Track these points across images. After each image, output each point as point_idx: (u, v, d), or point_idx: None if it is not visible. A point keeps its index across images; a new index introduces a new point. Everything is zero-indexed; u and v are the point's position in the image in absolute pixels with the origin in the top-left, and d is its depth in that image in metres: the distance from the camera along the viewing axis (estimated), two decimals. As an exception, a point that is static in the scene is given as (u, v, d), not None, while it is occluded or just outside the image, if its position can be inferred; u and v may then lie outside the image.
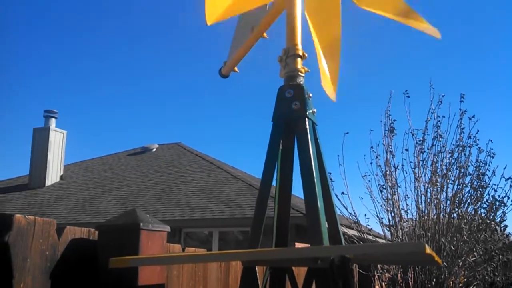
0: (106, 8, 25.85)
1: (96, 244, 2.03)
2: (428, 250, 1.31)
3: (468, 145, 7.20)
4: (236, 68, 2.60)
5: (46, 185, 14.60)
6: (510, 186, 7.04)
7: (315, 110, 2.01)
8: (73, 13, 25.33)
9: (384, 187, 6.83)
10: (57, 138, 15.12)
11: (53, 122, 15.09)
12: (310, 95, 1.99)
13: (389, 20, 2.23)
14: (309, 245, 1.69)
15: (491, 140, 7.21)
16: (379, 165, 7.03)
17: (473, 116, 7.23)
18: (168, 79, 27.98)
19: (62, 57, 26.99)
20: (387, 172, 6.98)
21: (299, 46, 2.05)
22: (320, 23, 2.12)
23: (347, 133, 7.03)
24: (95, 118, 29.78)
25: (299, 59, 2.03)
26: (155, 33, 26.39)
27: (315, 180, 1.77)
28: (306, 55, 2.09)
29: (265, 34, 2.40)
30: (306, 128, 1.87)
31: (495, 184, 7.05)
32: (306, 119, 1.90)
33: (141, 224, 1.95)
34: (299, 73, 2.01)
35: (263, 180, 1.92)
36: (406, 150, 6.89)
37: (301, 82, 2.00)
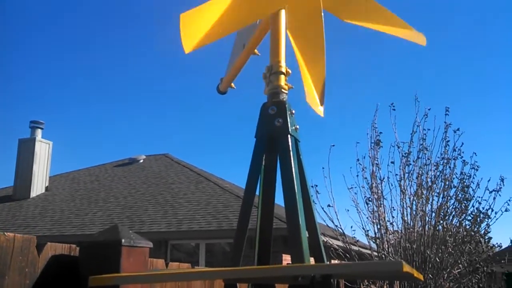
0: (94, 23, 25.82)
1: (77, 260, 2.01)
2: (407, 268, 1.32)
3: (453, 157, 7.29)
4: (232, 84, 2.62)
5: (31, 196, 14.42)
6: (494, 198, 7.14)
7: (297, 126, 2.02)
8: (63, 27, 25.25)
9: (370, 199, 6.88)
10: (42, 149, 14.98)
11: (39, 133, 14.96)
12: (293, 111, 2.01)
13: (374, 32, 2.26)
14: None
15: (475, 153, 7.31)
16: (365, 178, 7.09)
17: (458, 129, 7.33)
18: (156, 90, 27.94)
19: (50, 68, 26.83)
20: (373, 185, 7.02)
21: (283, 63, 2.07)
22: (303, 39, 2.14)
23: (333, 145, 7.08)
24: (82, 129, 29.59)
25: (282, 76, 2.05)
26: (141, 47, 26.40)
27: (297, 197, 1.77)
28: (290, 71, 2.11)
29: (256, 51, 2.42)
30: (289, 145, 1.88)
31: (479, 197, 7.14)
32: (289, 136, 1.91)
33: (123, 240, 1.94)
34: (283, 90, 2.03)
35: (245, 197, 1.92)
36: (392, 162, 6.96)
37: (284, 99, 2.02)
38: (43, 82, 27.38)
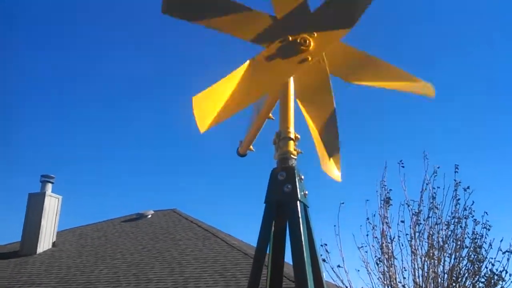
0: (100, 73, 26.56)
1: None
2: None
3: (464, 216, 7.22)
4: (252, 147, 2.71)
5: (37, 252, 14.29)
6: (508, 259, 6.99)
7: (307, 192, 2.06)
8: (71, 81, 26.02)
9: (381, 259, 6.76)
10: (52, 204, 15.00)
11: (49, 187, 15.03)
12: (302, 177, 2.05)
13: (379, 89, 2.32)
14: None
15: (486, 212, 7.24)
16: (375, 237, 7.00)
17: (468, 187, 7.31)
18: (166, 146, 28.25)
19: (62, 123, 27.39)
20: (384, 244, 6.92)
21: (291, 129, 2.14)
22: (313, 108, 2.21)
23: (343, 203, 7.07)
24: (92, 183, 29.70)
25: (291, 142, 2.11)
26: (149, 103, 27.00)
27: (306, 265, 1.78)
28: (299, 137, 2.17)
29: (271, 116, 2.50)
30: (298, 212, 1.91)
31: (492, 258, 6.99)
32: (298, 202, 1.94)
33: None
34: (292, 156, 2.08)
35: (255, 261, 1.93)
36: (402, 221, 6.90)
37: (293, 164, 2.07)
38: (54, 136, 27.85)
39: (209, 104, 1.89)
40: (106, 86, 25.80)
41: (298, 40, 2.11)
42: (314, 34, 2.13)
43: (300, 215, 1.91)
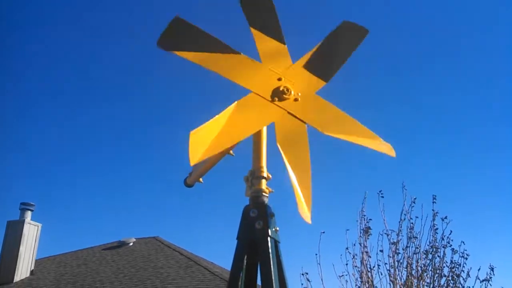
0: (85, 97, 26.55)
1: None
2: None
3: (442, 246, 7.33)
4: (201, 179, 2.77)
5: (14, 280, 13.98)
6: (485, 288, 7.09)
7: (277, 228, 2.14)
8: (55, 107, 25.92)
9: (361, 288, 6.81)
10: (31, 231, 14.76)
11: (28, 215, 14.81)
12: (273, 214, 2.14)
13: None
14: None
15: (463, 242, 7.36)
16: (356, 266, 7.06)
17: (446, 217, 7.44)
18: (148, 173, 28.09)
19: (45, 148, 27.13)
20: (364, 273, 6.98)
21: (264, 169, 2.23)
22: (292, 155, 2.30)
23: (323, 232, 7.14)
24: (72, 209, 29.27)
25: (263, 181, 2.20)
26: (129, 130, 26.95)
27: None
28: (271, 176, 2.26)
29: (231, 152, 2.58)
30: (268, 248, 1.99)
31: (470, 286, 7.09)
32: (269, 238, 2.02)
33: None
34: (263, 194, 2.17)
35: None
36: (381, 251, 6.98)
37: (265, 202, 2.15)
38: (34, 163, 27.50)
39: (202, 140, 2.01)
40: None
41: (281, 89, 2.29)
42: (293, 83, 2.31)
43: (270, 251, 1.98)
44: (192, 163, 1.98)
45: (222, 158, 2.61)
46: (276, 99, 2.28)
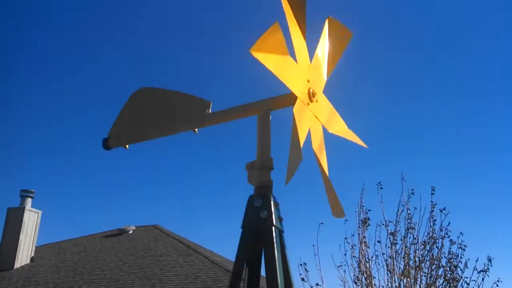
0: (89, 90, 26.52)
1: None
2: None
3: (440, 237, 7.39)
4: (127, 146, 2.77)
5: (15, 267, 14.08)
6: (483, 279, 7.17)
7: (282, 218, 2.18)
8: (58, 93, 25.88)
9: (359, 278, 6.88)
10: (31, 219, 14.83)
11: (29, 202, 14.87)
12: (278, 204, 2.17)
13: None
14: None
15: (461, 233, 7.42)
16: (354, 256, 7.13)
17: (444, 209, 7.50)
18: (148, 161, 28.14)
19: (45, 136, 27.13)
20: (362, 263, 7.05)
21: (270, 159, 2.26)
22: (323, 159, 2.35)
23: (322, 223, 7.19)
24: (73, 197, 29.37)
25: (269, 172, 2.23)
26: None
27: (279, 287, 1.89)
28: (273, 168, 2.30)
29: (196, 130, 2.60)
30: (273, 237, 2.02)
31: (467, 277, 7.17)
32: (273, 227, 2.06)
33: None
34: (268, 184, 2.20)
35: (231, 283, 2.03)
36: (379, 241, 7.05)
37: (270, 192, 2.19)
38: (34, 150, 27.53)
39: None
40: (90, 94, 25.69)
41: (311, 92, 2.30)
42: (314, 85, 2.34)
43: (275, 241, 2.02)
44: (287, 183, 1.98)
45: None
46: (308, 103, 2.28)
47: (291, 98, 2.21)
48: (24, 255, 14.50)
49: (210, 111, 2.54)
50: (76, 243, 16.31)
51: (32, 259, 14.74)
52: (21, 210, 14.67)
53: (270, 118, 2.33)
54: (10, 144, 26.35)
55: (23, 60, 24.25)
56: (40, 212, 15.25)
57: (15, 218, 14.60)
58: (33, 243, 14.91)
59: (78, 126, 26.53)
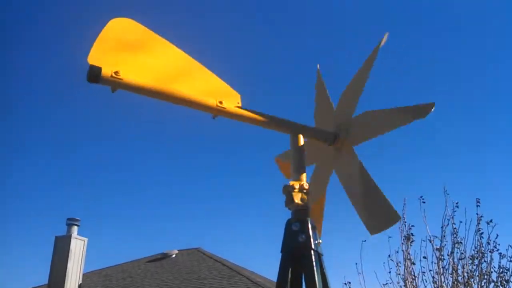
0: (120, 115, 27.23)
1: None
2: None
3: (489, 250, 7.13)
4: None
5: (64, 295, 14.43)
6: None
7: (321, 241, 2.19)
8: (90, 120, 26.73)
9: (406, 296, 6.71)
10: (78, 246, 15.22)
11: (75, 230, 15.28)
12: (315, 227, 2.19)
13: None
14: None
15: (510, 246, 7.14)
16: (399, 273, 6.96)
17: (491, 221, 7.24)
18: (188, 183, 28.49)
19: (85, 165, 27.97)
20: (408, 280, 6.87)
21: (306, 183, 2.29)
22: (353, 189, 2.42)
23: (364, 240, 7.08)
24: (116, 223, 29.99)
25: (305, 195, 2.26)
26: (167, 139, 27.39)
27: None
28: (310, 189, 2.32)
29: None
30: (312, 261, 2.04)
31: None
32: (312, 251, 2.08)
33: None
34: (306, 208, 2.23)
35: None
36: (425, 257, 6.86)
37: (308, 216, 2.21)
38: (79, 178, 28.39)
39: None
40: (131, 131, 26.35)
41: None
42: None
43: (314, 264, 2.04)
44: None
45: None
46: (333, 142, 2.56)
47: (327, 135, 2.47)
48: (72, 283, 14.85)
49: (240, 104, 2.39)
50: (122, 269, 16.62)
51: (80, 286, 15.08)
52: (68, 238, 15.07)
53: (302, 141, 2.37)
54: (55, 170, 27.27)
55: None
56: (86, 239, 15.64)
57: (62, 246, 15.01)
58: (80, 271, 15.26)
59: (122, 149, 27.22)
